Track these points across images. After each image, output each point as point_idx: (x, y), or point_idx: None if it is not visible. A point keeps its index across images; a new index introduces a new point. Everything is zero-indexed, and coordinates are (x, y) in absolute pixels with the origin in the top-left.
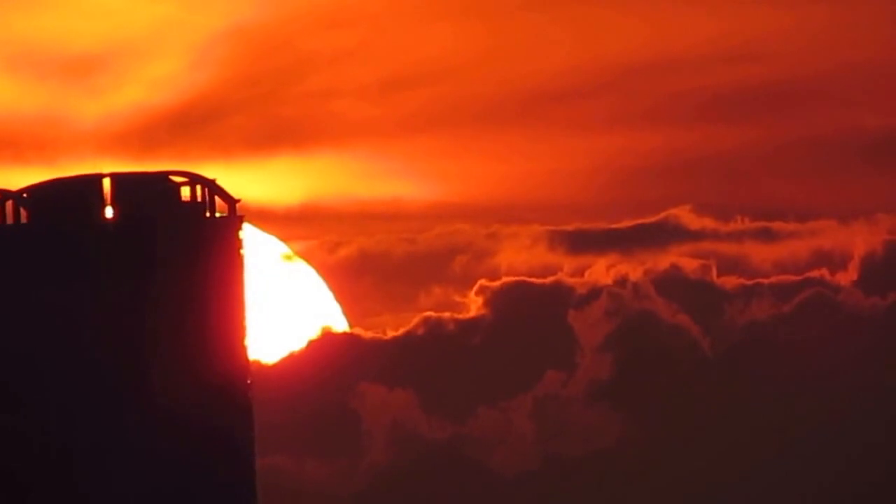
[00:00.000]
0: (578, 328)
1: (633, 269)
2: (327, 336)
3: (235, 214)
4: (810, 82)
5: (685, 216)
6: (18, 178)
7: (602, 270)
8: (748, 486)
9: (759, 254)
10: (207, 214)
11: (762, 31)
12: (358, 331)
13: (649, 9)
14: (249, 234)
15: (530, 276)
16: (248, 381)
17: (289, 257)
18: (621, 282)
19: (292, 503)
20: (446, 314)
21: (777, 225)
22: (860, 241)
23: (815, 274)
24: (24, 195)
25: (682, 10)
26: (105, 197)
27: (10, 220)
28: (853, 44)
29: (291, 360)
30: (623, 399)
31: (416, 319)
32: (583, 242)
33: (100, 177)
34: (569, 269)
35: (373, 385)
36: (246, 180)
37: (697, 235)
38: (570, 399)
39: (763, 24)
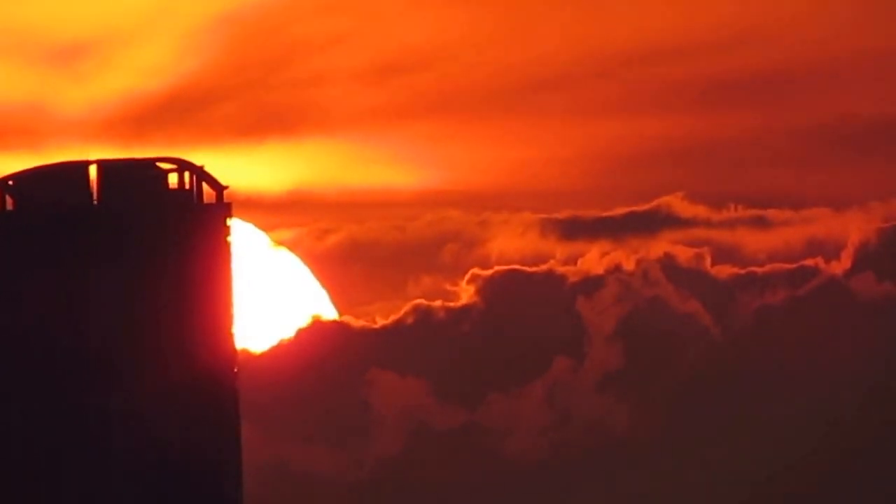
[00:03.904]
0: (575, 316)
1: (627, 256)
2: (317, 324)
3: (223, 201)
4: (804, 70)
5: (678, 204)
6: (4, 165)
7: (595, 258)
8: (759, 473)
9: (753, 242)
10: (195, 201)
11: (755, 19)
12: (347, 319)
13: None
14: (236, 223)
15: (522, 264)
16: (235, 370)
17: (276, 245)
18: (615, 269)
19: (291, 491)
20: (437, 302)
21: (771, 213)
22: (855, 228)
23: (809, 262)
24: (10, 182)
25: None
26: (92, 184)
27: None
28: (847, 31)
29: (281, 349)
30: (633, 386)
31: (406, 307)
32: (575, 230)
33: (86, 164)
34: (561, 257)
35: (364, 372)
36: (234, 167)
37: (690, 223)
38: (568, 386)
39: (756, 11)
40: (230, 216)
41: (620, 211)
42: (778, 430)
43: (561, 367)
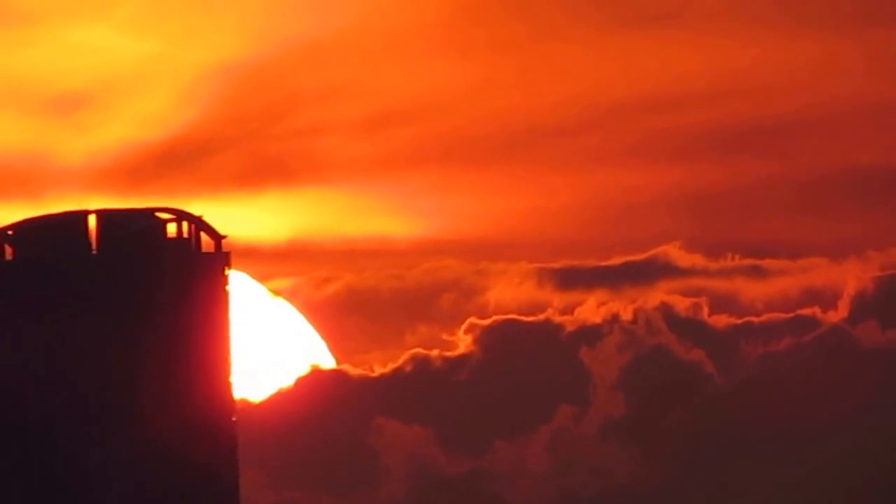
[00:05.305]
0: (574, 365)
1: (624, 306)
2: (316, 373)
3: (222, 251)
4: (799, 119)
5: (675, 253)
6: (3, 214)
7: (592, 307)
8: None
9: (751, 291)
10: (194, 251)
11: (750, 68)
12: (346, 367)
13: (637, 47)
14: (234, 273)
15: (520, 314)
16: (234, 419)
17: (274, 295)
18: (613, 319)
19: None
20: (435, 351)
21: (768, 262)
22: (852, 278)
23: (807, 311)
24: (10, 232)
25: (669, 48)
26: (91, 234)
27: None
28: (841, 80)
29: (280, 398)
30: (637, 435)
31: (404, 356)
32: (572, 279)
33: (85, 213)
34: (558, 306)
35: (363, 420)
36: (233, 217)
37: (688, 272)
38: (566, 435)
39: (750, 60)
40: (229, 265)
41: (617, 260)
42: (781, 476)
43: (564, 415)
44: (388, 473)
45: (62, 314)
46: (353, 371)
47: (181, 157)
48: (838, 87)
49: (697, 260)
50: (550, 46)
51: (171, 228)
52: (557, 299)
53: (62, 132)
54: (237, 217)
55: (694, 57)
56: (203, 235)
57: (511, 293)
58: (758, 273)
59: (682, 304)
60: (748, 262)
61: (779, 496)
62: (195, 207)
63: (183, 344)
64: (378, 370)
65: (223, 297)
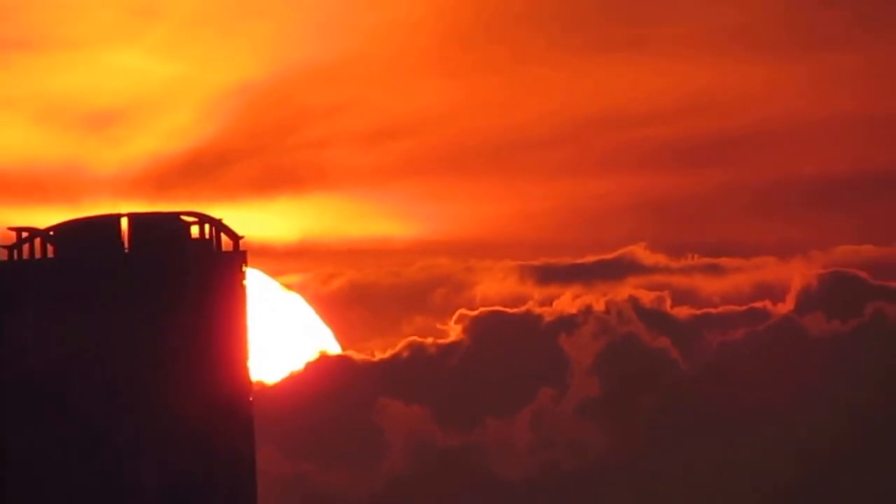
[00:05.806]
0: (553, 350)
1: (596, 299)
2: (323, 358)
3: (239, 250)
4: (751, 133)
5: (641, 253)
6: (45, 217)
7: (568, 300)
8: (722, 488)
9: (708, 286)
10: (214, 250)
11: (707, 88)
12: (350, 353)
13: (607, 69)
14: (251, 269)
15: (504, 306)
16: (251, 399)
17: (286, 289)
18: (586, 310)
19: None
20: (429, 339)
21: (724, 261)
22: (798, 275)
23: (758, 304)
24: (51, 233)
25: (635, 70)
26: (123, 235)
27: (38, 255)
28: (787, 99)
29: (291, 380)
30: (610, 414)
31: (402, 343)
32: (550, 275)
33: (118, 216)
34: (538, 299)
35: (366, 400)
36: (249, 220)
37: (652, 270)
38: (547, 414)
39: (707, 81)
40: (246, 263)
41: (590, 259)
42: (737, 451)
43: (545, 396)
44: (390, 447)
45: (98, 306)
46: (357, 356)
47: (203, 167)
48: (785, 105)
49: (661, 259)
50: (530, 68)
51: (195, 230)
52: (537, 293)
53: (97, 145)
54: (253, 220)
55: (658, 78)
56: (223, 236)
57: (496, 287)
58: (715, 270)
59: (647, 298)
60: (706, 260)
61: (734, 469)
62: (216, 211)
63: (205, 333)
64: (379, 356)
65: (241, 291)
